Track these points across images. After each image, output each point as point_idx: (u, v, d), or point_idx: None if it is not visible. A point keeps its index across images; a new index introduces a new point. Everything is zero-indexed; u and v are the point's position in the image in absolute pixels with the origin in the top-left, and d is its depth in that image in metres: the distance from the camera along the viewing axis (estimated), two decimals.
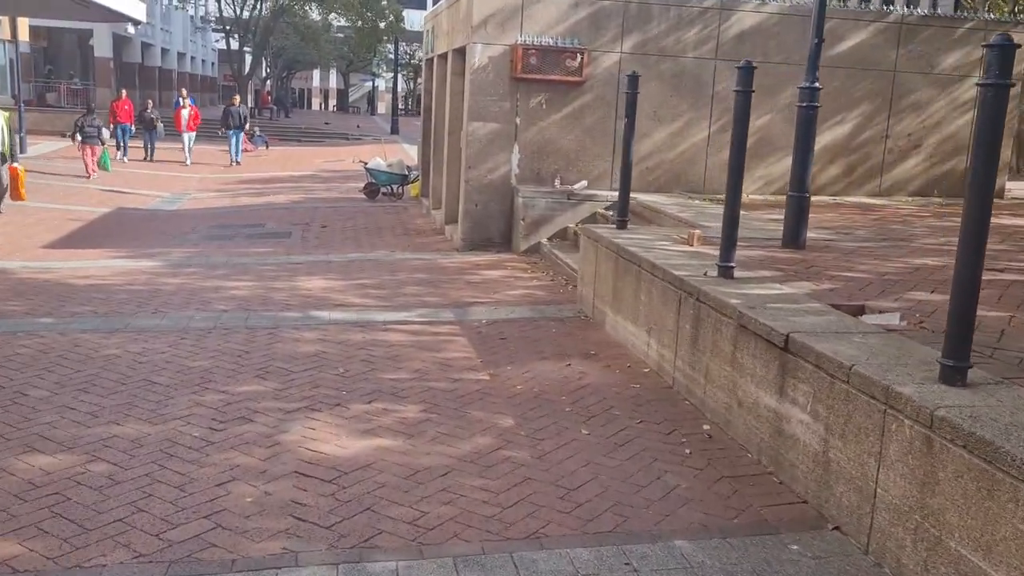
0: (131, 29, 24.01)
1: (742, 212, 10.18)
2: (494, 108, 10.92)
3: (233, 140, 24.51)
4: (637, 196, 10.65)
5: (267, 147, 30.25)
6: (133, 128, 24.32)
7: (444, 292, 8.57)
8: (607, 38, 11.01)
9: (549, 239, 10.73)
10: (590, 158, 11.22)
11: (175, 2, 42.59)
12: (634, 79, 7.56)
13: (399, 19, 38.83)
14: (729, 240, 5.65)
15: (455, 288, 8.76)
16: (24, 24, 27.77)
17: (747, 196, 11.47)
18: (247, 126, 25.53)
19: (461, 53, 12.24)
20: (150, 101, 25.66)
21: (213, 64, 63.42)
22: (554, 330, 7.18)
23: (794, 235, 7.03)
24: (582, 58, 10.82)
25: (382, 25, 38.51)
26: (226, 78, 53.59)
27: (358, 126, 40.42)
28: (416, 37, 62.50)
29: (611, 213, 10.44)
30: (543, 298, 8.36)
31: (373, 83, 68.14)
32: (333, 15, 38.98)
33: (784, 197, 11.94)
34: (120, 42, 37.58)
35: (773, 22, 11.32)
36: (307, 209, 15.80)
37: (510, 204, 11.12)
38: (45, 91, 34.53)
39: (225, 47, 40.89)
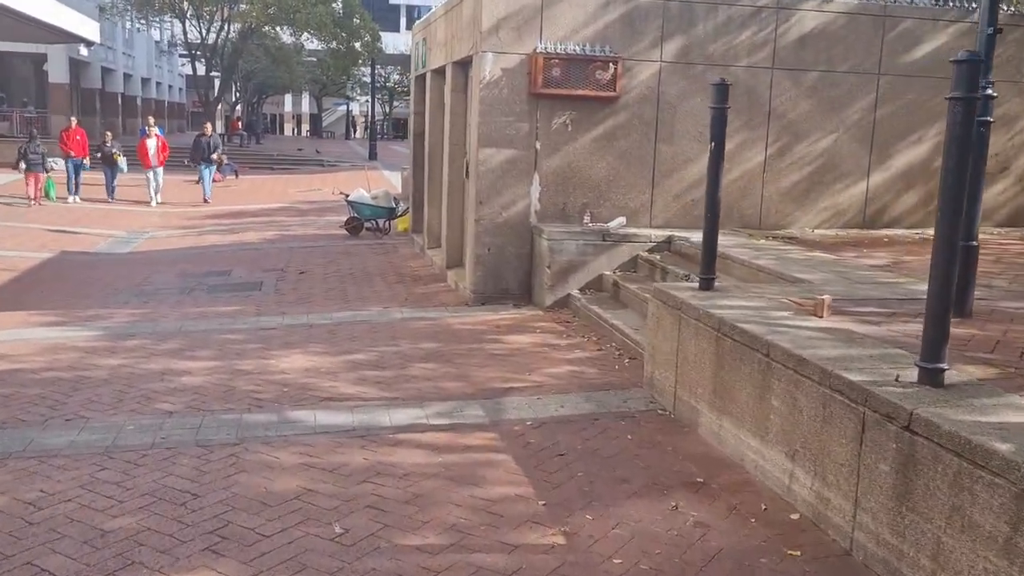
0: (84, 51, 21.88)
1: (818, 253, 8.35)
2: (509, 131, 8.96)
3: (205, 174, 21.36)
4: (685, 234, 8.71)
5: (236, 176, 28.11)
6: (87, 163, 21.09)
7: (464, 371, 6.54)
8: (644, 44, 9.09)
9: (581, 290, 8.74)
10: (625, 189, 9.27)
11: (136, 24, 40.41)
12: (723, 89, 5.61)
13: (375, 39, 36.91)
14: (937, 330, 3.65)
15: (477, 364, 6.74)
16: None
17: (812, 231, 9.57)
18: (216, 155, 22.10)
19: (464, 66, 10.28)
20: (108, 133, 22.56)
21: (181, 90, 61.20)
22: (629, 436, 5.17)
23: (960, 299, 5.08)
24: (615, 69, 8.89)
25: (357, 46, 36.55)
26: (195, 104, 51.41)
27: (317, 151, 38.29)
28: (392, 60, 60.66)
29: (657, 257, 8.49)
30: (596, 379, 6.35)
31: (348, 107, 66.17)
32: (305, 36, 36.94)
33: (857, 232, 10.09)
34: (78, 67, 35.36)
35: (839, 24, 9.46)
36: (281, 250, 13.72)
37: (530, 247, 9.13)
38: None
39: (191, 72, 38.74)
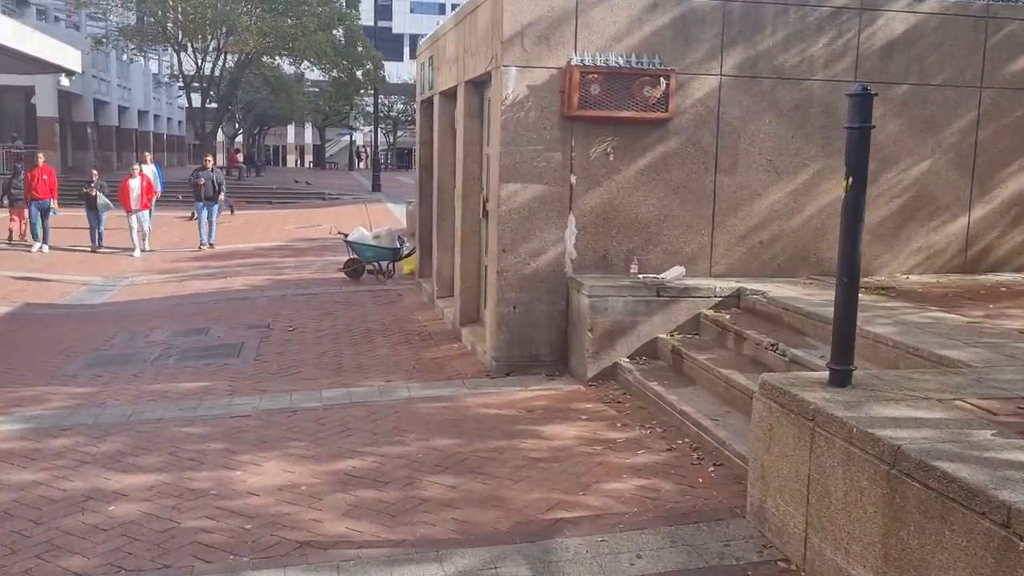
0: (65, 81, 20.46)
1: (937, 312, 6.60)
2: (538, 162, 7.31)
3: (204, 215, 18.43)
4: (757, 286, 7.03)
5: (232, 212, 26.56)
6: (55, 207, 18.20)
7: (494, 490, 4.83)
8: (700, 54, 7.46)
9: (631, 358, 7.04)
10: (679, 230, 7.60)
11: (129, 56, 39.13)
12: (864, 101, 3.91)
13: (378, 66, 35.52)
14: None
15: (510, 476, 5.03)
16: None
17: (906, 278, 7.90)
18: (222, 195, 18.86)
19: (480, 86, 8.67)
20: (95, 172, 19.72)
21: (181, 123, 60.00)
22: None
23: None
24: (666, 84, 7.25)
25: (359, 74, 35.14)
26: (196, 137, 50.11)
27: (307, 183, 36.80)
28: (395, 90, 59.46)
29: (725, 317, 6.81)
30: (676, 501, 4.63)
31: (351, 137, 64.92)
32: (306, 64, 35.57)
33: (960, 278, 8.23)
34: (68, 100, 34.01)
35: (933, 27, 7.82)
36: (272, 300, 12.06)
37: (565, 304, 7.45)
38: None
39: (187, 104, 37.37)
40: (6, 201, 19.63)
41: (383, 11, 72.30)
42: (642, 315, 7.06)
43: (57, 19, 41.51)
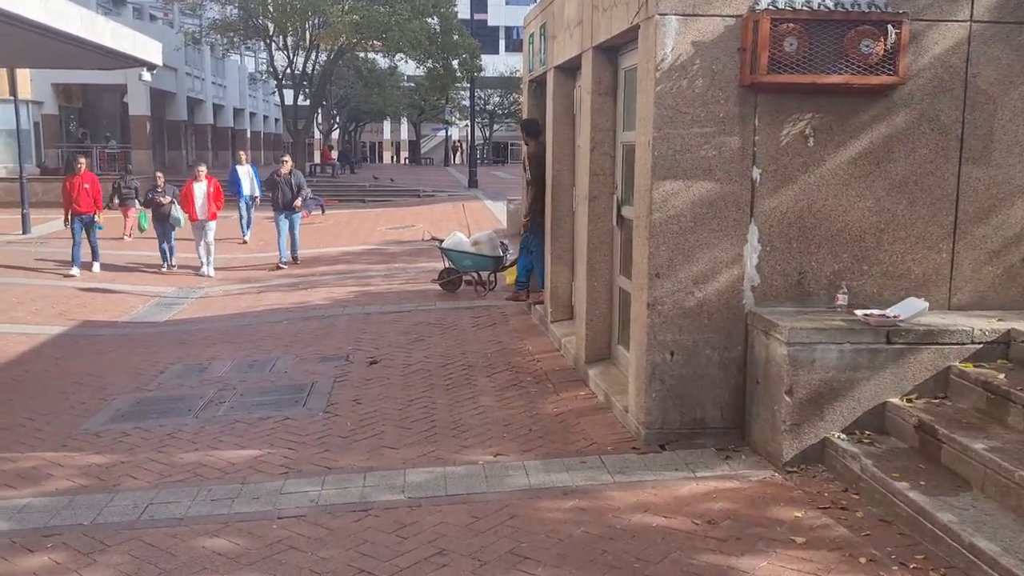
0: (147, 75, 18.93)
1: None
2: (706, 150, 5.18)
3: (284, 228, 15.29)
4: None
5: (323, 211, 25.20)
6: (100, 221, 14.99)
7: None
8: None
9: (847, 432, 4.86)
10: (904, 243, 5.35)
11: (223, 52, 38.40)
12: None
13: (475, 55, 33.72)
14: None
15: None
16: (25, 79, 23.41)
17: None
18: (299, 201, 15.34)
19: (613, 53, 6.60)
20: (160, 175, 16.39)
21: (277, 120, 59.70)
22: None
23: None
24: (896, 35, 5.02)
25: (455, 64, 33.42)
26: (290, 134, 49.42)
27: (382, 177, 35.04)
28: (490, 84, 57.78)
29: (999, 377, 4.58)
30: None
31: (446, 132, 63.61)
32: (400, 56, 34.05)
33: None
34: (163, 98, 33.37)
35: None
36: (354, 318, 10.25)
37: (743, 350, 5.32)
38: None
39: (279, 101, 36.36)
40: (116, 201, 20.04)
41: (478, 4, 70.94)
42: (864, 370, 4.86)
43: (153, 17, 41.21)
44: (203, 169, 15.20)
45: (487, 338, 8.86)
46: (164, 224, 15.08)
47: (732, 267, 5.28)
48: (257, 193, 19.14)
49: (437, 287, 11.87)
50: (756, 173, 5.22)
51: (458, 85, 54.48)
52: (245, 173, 19.07)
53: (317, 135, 52.76)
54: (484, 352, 8.23)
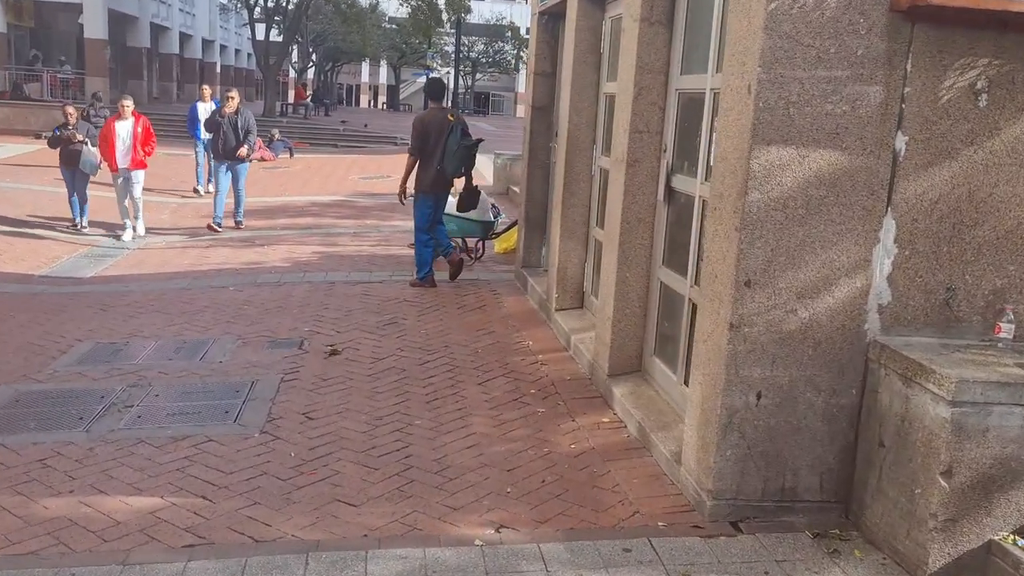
0: None
1: None
2: (833, 103, 3.52)
3: (225, 182, 12.24)
4: None
5: (291, 154, 23.25)
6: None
7: None
8: None
9: (1020, 532, 3.29)
10: None
11: None
12: None
13: None
14: None
15: None
16: None
17: None
18: (249, 150, 12.24)
19: None
20: (71, 110, 12.61)
21: (250, 55, 56.95)
22: None
23: None
24: None
25: (441, 3, 31.23)
26: (261, 71, 46.74)
27: (365, 125, 32.63)
28: (474, 30, 55.30)
29: None
30: None
31: (427, 78, 61.12)
32: None
33: None
34: (122, 22, 30.92)
35: None
36: (315, 288, 8.55)
37: (857, 394, 3.72)
38: (25, 81, 27.88)
39: (251, 34, 33.93)
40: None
41: None
42: None
43: None
44: (128, 104, 11.85)
45: (476, 325, 7.21)
46: (74, 170, 11.96)
47: (853, 276, 3.66)
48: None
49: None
50: (901, 142, 3.58)
51: (441, 30, 52.03)
52: (207, 112, 15.13)
53: (292, 73, 50.20)
54: (473, 346, 6.58)
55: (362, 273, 9.31)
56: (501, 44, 59.18)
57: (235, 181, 12.30)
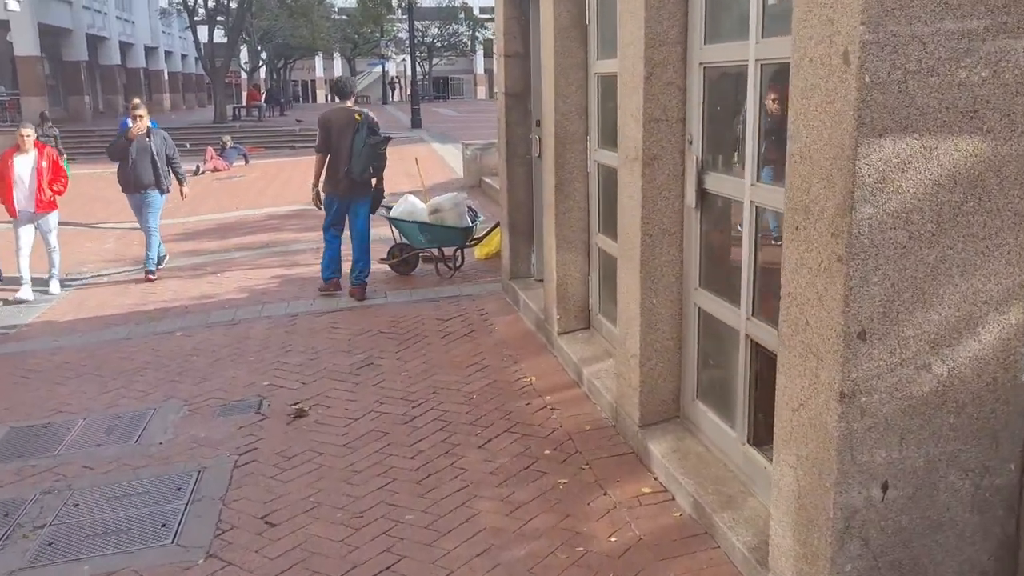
0: (13, 5, 15.44)
1: None
2: (966, 69, 2.43)
3: (151, 221, 9.62)
4: None
5: (246, 161, 21.94)
6: None
7: None
8: None
9: None
10: None
11: None
12: None
13: None
14: None
15: None
16: None
17: None
18: (176, 176, 9.89)
19: None
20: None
21: (198, 60, 55.15)
22: None
23: None
24: None
25: None
26: (226, 76, 45.00)
27: (298, 121, 31.09)
28: (428, 15, 53.83)
29: None
30: None
31: (383, 68, 59.65)
32: None
33: None
34: (55, 36, 29.29)
35: None
36: (273, 325, 7.41)
37: (1018, 469, 2.66)
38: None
39: (193, 36, 32.35)
40: None
41: None
42: None
43: None
44: (29, 133, 9.33)
45: (466, 359, 6.11)
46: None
47: (1005, 310, 2.60)
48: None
49: (385, 268, 9.05)
50: None
51: (393, 17, 50.48)
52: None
53: (244, 75, 48.57)
54: (466, 390, 5.49)
55: (328, 299, 8.17)
56: (455, 26, 57.78)
57: (143, 218, 9.63)
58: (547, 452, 4.50)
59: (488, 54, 68.69)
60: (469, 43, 60.62)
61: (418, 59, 54.20)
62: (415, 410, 5.24)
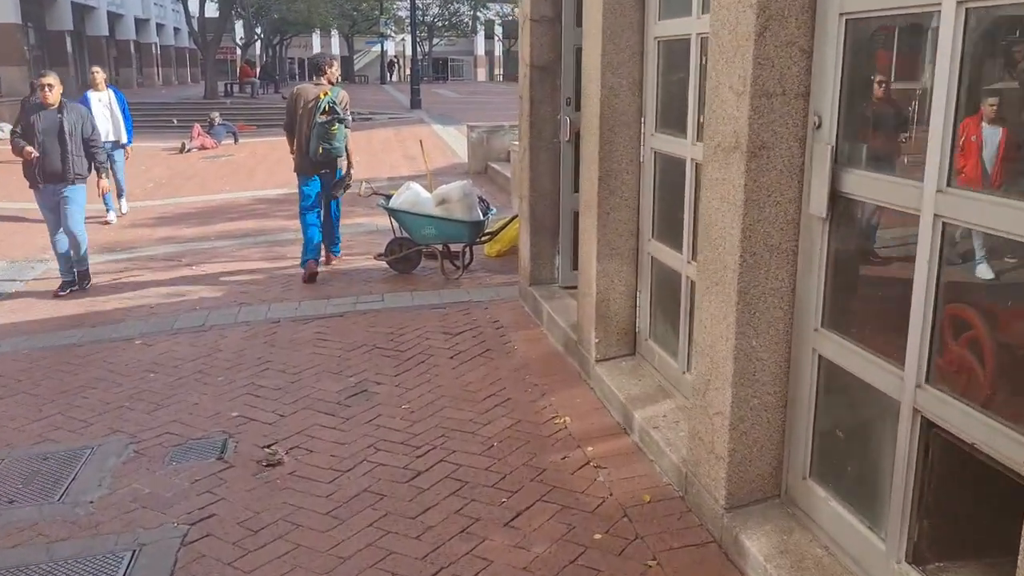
0: None
1: None
2: None
3: (69, 217, 7.56)
4: None
5: (235, 140, 20.69)
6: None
7: None
8: None
9: None
10: None
11: None
12: None
13: None
14: None
15: None
16: None
17: None
18: (98, 169, 7.86)
19: None
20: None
21: (191, 34, 53.60)
22: None
23: None
24: None
25: None
26: (221, 51, 43.42)
27: (283, 97, 29.41)
28: None
29: None
30: None
31: (382, 47, 58.18)
32: None
33: None
34: (39, 4, 27.92)
35: None
36: (250, 334, 6.27)
37: None
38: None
39: (183, 9, 30.97)
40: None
41: None
42: None
43: None
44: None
45: (481, 387, 4.98)
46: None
47: None
48: (124, 138, 11.30)
49: (383, 265, 7.92)
50: None
51: None
52: (102, 105, 11.03)
53: (239, 52, 47.13)
54: (484, 434, 4.36)
55: (316, 302, 7.04)
56: (457, 5, 56.34)
57: (64, 216, 7.61)
58: (597, 536, 3.38)
59: (489, 35, 67.25)
60: (470, 23, 59.16)
61: (418, 39, 52.85)
62: (420, 461, 4.11)
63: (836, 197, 2.79)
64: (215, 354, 5.89)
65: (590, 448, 4.14)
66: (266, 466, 4.17)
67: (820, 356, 2.96)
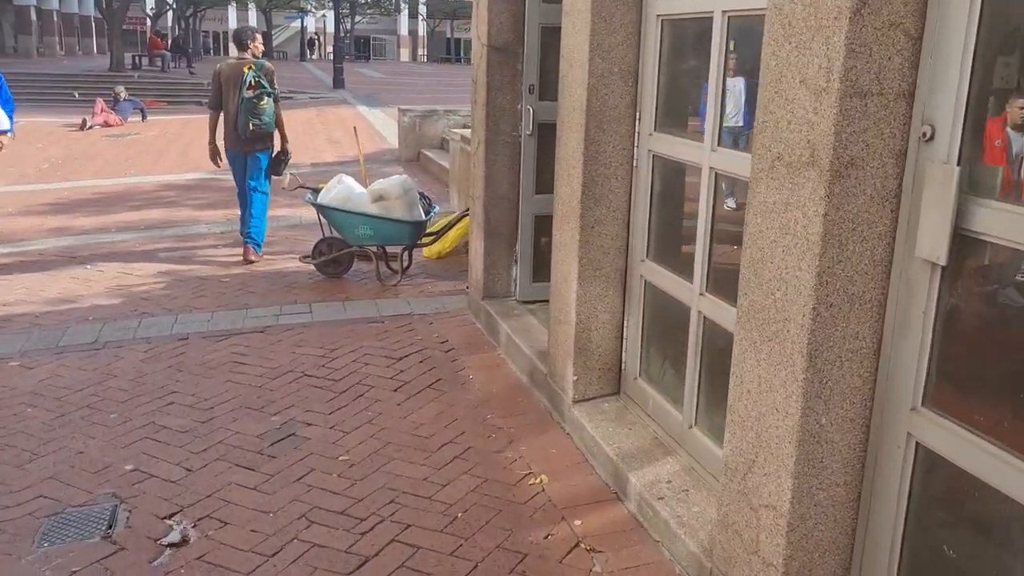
0: None
1: None
2: None
3: None
4: None
5: (143, 117, 19.21)
6: None
7: None
8: None
9: None
10: None
11: None
12: None
13: None
14: None
15: None
16: None
17: None
18: None
19: None
20: None
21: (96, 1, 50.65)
22: None
23: None
24: None
25: None
26: (130, 21, 40.90)
27: (191, 72, 28.36)
28: None
29: None
30: None
31: (302, 23, 56.17)
32: None
33: None
34: None
35: None
36: (153, 354, 5.28)
37: None
38: None
39: None
40: None
41: None
42: None
43: None
44: None
45: (435, 431, 4.14)
46: None
47: None
48: (6, 126, 8.09)
49: (310, 267, 6.99)
50: None
51: None
52: None
53: (150, 22, 44.67)
54: (443, 501, 3.53)
55: (232, 312, 6.08)
56: None
57: None
58: None
59: (413, 15, 65.64)
60: (394, 1, 57.63)
61: (340, 16, 51.10)
62: (365, 541, 3.26)
63: (961, 238, 2.05)
64: (108, 381, 4.90)
65: (577, 522, 3.36)
66: (167, 548, 3.26)
67: (920, 445, 2.22)
